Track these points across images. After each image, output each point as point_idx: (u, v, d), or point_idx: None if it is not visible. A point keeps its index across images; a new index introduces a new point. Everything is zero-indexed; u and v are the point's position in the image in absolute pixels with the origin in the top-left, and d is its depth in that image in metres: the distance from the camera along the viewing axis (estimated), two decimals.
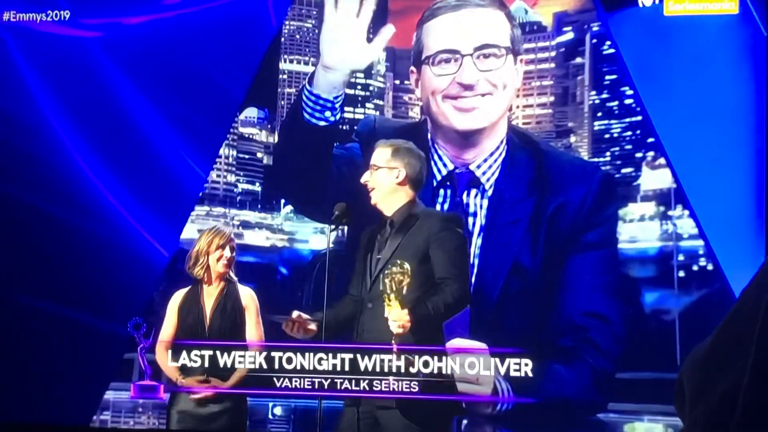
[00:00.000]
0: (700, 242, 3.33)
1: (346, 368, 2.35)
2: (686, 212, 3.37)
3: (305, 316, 2.38)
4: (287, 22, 4.03)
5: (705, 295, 3.31)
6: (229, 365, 2.70)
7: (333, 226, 2.47)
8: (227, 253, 2.79)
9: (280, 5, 4.00)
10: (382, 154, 2.42)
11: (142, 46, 4.11)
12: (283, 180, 3.99)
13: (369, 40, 3.86)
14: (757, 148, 3.21)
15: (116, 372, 3.84)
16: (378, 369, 2.31)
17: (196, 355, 2.72)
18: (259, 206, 4.00)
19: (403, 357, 2.24)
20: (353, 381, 2.34)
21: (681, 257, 3.38)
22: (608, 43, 3.53)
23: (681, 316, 3.32)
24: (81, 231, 3.92)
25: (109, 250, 3.89)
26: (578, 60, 3.63)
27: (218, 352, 2.70)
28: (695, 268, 3.35)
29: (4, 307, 3.86)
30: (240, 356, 2.67)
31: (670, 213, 3.42)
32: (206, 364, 2.70)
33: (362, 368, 2.34)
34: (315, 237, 3.90)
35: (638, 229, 3.44)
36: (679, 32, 3.35)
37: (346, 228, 3.87)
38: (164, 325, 2.86)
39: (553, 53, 3.67)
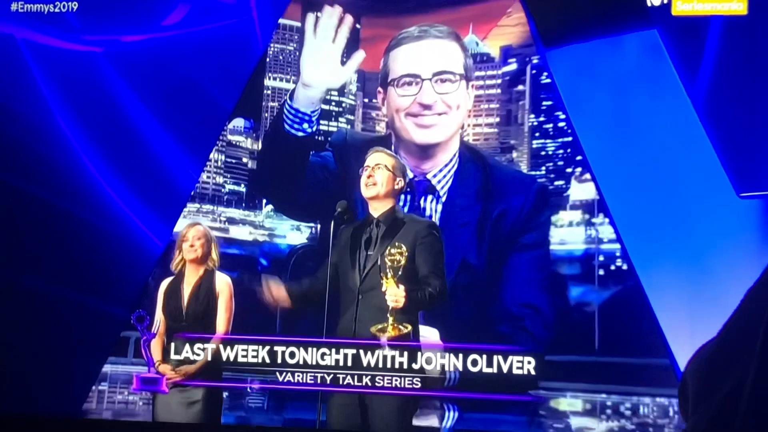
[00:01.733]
0: (618, 246, 3.64)
1: (349, 363, 2.37)
2: (607, 220, 3.67)
3: (275, 285, 2.47)
4: (272, 45, 4.38)
5: (620, 291, 3.62)
6: (232, 358, 2.78)
7: (335, 221, 2.54)
8: (190, 242, 2.96)
9: (266, 29, 4.37)
10: (386, 159, 2.55)
11: (142, 60, 4.42)
12: (265, 182, 4.31)
13: (343, 62, 4.24)
14: (666, 164, 3.53)
15: (114, 347, 4.18)
16: (381, 365, 2.34)
17: (199, 348, 2.78)
18: (244, 205, 4.31)
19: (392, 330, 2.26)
20: (355, 377, 2.36)
21: (601, 258, 3.67)
22: (545, 73, 3.86)
23: (600, 308, 3.64)
24: (86, 223, 4.24)
25: (110, 240, 4.22)
26: (520, 87, 3.96)
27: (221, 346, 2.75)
28: (613, 267, 3.65)
29: (14, 288, 4.20)
30: (243, 349, 2.77)
31: (593, 220, 3.72)
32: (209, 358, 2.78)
33: (365, 364, 2.38)
34: (292, 233, 4.25)
35: (567, 234, 3.74)
36: (602, 62, 3.65)
37: (318, 226, 4.33)
38: (156, 311, 3.01)
39: (499, 81, 4.01)
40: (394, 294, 2.24)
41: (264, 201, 4.32)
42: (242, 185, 4.36)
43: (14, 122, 4.37)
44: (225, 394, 3.55)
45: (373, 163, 2.55)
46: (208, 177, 4.40)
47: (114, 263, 4.19)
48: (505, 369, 2.52)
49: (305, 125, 4.23)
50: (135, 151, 4.35)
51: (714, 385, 0.76)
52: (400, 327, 2.29)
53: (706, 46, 3.53)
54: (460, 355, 2.48)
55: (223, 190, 4.37)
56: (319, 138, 4.24)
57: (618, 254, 3.67)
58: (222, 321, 2.93)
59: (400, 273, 2.23)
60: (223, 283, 2.99)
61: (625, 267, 3.63)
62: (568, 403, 3.66)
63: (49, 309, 4.15)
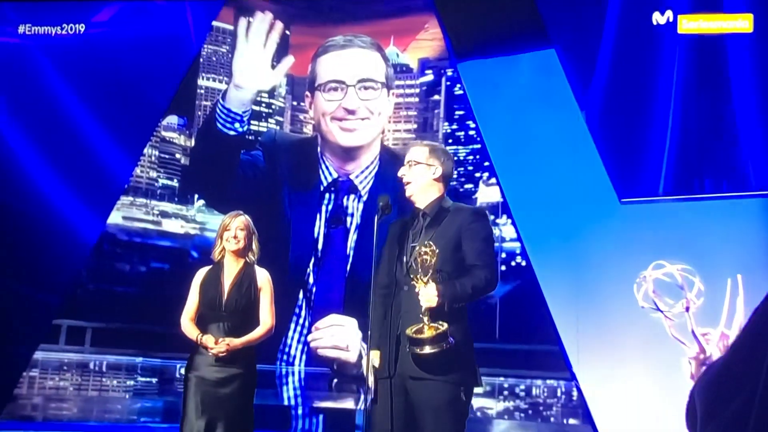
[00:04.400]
0: (518, 244, 3.97)
1: None
2: (509, 221, 3.99)
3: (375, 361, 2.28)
4: (206, 46, 4.56)
5: (519, 285, 3.95)
6: None
7: (378, 216, 2.35)
8: (232, 233, 2.86)
9: (199, 31, 4.54)
10: (420, 152, 2.40)
11: (77, 55, 4.54)
12: (197, 178, 4.49)
13: (273, 66, 4.46)
14: (560, 172, 3.87)
15: (45, 335, 4.30)
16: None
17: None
18: (176, 199, 4.48)
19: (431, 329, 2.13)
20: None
21: (503, 255, 3.98)
22: (458, 85, 4.16)
23: (501, 300, 3.97)
24: (19, 213, 4.35)
25: (44, 230, 4.33)
26: (436, 97, 4.25)
27: None
28: (513, 264, 3.98)
29: None
30: None
31: (497, 221, 4.02)
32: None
33: None
34: None
35: None
36: (506, 76, 3.96)
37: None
38: (189, 299, 2.91)
39: (417, 90, 4.29)
40: (426, 295, 2.15)
41: (196, 196, 4.50)
42: (175, 180, 4.53)
43: None
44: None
45: (405, 161, 2.42)
46: (142, 171, 4.54)
47: (47, 253, 4.31)
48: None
49: (237, 125, 4.43)
50: (70, 144, 4.46)
51: (723, 402, 0.76)
52: (437, 326, 2.16)
53: (597, 65, 3.92)
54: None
55: (156, 184, 4.52)
56: (250, 137, 4.45)
57: (518, 252, 4.02)
58: (268, 314, 2.89)
59: (430, 273, 2.12)
60: (264, 278, 2.92)
61: (524, 263, 3.99)
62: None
63: None
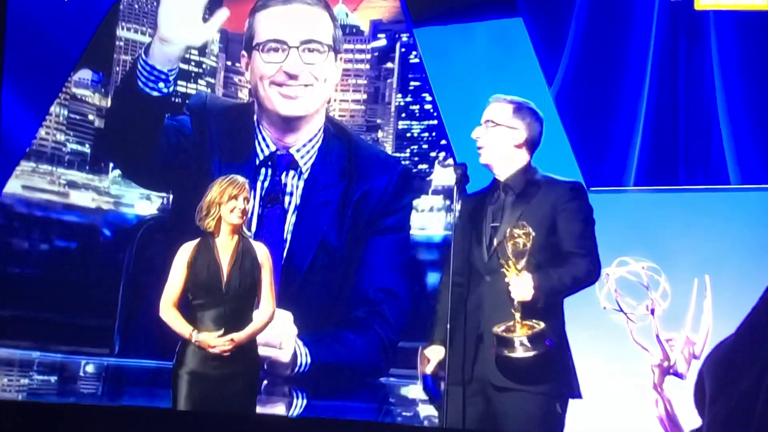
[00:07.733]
0: None
1: None
2: None
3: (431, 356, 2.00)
4: None
5: None
6: None
7: (456, 188, 2.10)
8: (240, 204, 2.47)
9: None
10: (501, 110, 2.09)
11: None
12: (113, 144, 4.02)
13: (205, 19, 3.96)
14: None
15: None
16: None
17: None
18: (87, 167, 4.01)
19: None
20: None
21: None
22: (414, 53, 3.80)
23: None
24: None
25: None
26: (389, 65, 3.88)
27: None
28: None
29: None
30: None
31: (453, 207, 3.81)
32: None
33: None
34: (141, 202, 3.99)
35: (427, 219, 3.73)
36: (467, 45, 3.62)
37: (171, 196, 4.05)
38: (171, 280, 2.49)
39: (368, 56, 3.90)
40: (519, 286, 1.88)
41: (111, 165, 4.03)
42: (87, 145, 4.05)
43: None
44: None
45: (482, 120, 2.10)
46: (47, 133, 4.05)
47: None
48: None
49: (161, 84, 3.95)
50: None
51: (732, 379, 0.78)
52: (532, 324, 1.89)
53: (568, 38, 3.57)
54: None
55: (64, 149, 4.04)
56: (176, 100, 3.98)
57: None
58: (269, 297, 2.53)
59: (524, 259, 1.87)
60: (263, 254, 2.55)
61: None
62: (418, 389, 3.70)
63: None
